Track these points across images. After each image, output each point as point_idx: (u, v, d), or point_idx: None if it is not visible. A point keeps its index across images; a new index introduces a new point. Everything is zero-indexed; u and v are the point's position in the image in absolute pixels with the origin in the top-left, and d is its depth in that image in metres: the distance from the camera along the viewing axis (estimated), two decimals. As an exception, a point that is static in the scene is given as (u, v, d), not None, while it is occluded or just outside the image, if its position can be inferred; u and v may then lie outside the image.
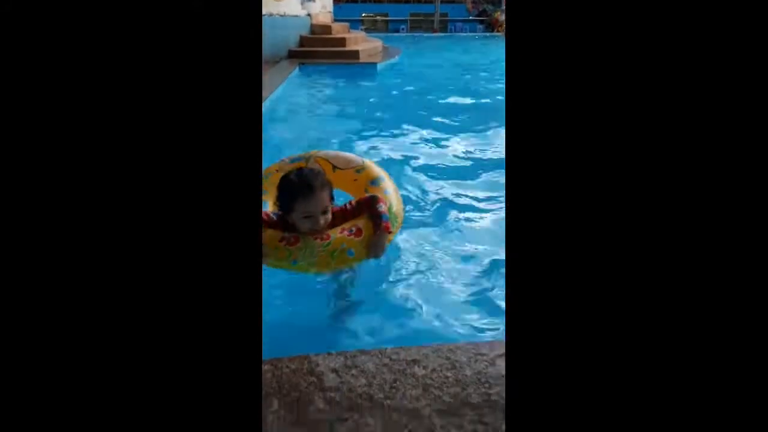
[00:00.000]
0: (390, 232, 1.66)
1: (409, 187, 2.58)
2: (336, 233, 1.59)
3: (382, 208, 1.68)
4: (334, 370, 0.99)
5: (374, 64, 7.47)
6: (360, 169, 2.00)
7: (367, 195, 1.79)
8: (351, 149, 3.21)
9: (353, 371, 0.99)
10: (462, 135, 3.73)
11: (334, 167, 2.00)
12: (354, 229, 1.62)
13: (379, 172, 1.97)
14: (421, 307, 1.62)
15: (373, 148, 3.41)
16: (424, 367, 0.99)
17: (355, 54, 7.79)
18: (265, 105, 4.19)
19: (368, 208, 1.70)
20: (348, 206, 1.74)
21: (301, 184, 1.55)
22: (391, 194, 1.82)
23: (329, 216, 1.63)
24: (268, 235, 1.59)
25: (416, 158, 3.17)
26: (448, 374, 0.97)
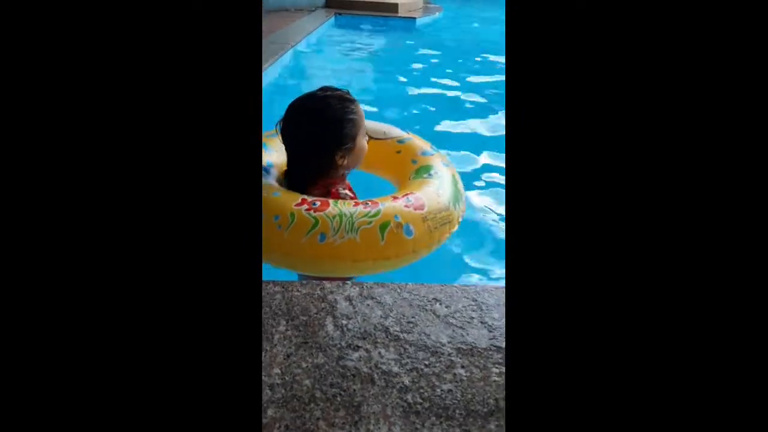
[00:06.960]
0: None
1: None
2: (387, 201, 1.17)
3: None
4: (348, 299, 0.91)
5: (413, 19, 7.17)
6: (403, 139, 1.50)
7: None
8: (379, 105, 3.03)
9: (368, 302, 0.91)
10: (498, 98, 3.54)
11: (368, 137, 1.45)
12: (413, 199, 1.18)
13: (426, 144, 1.50)
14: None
15: (403, 106, 3.26)
16: (447, 306, 0.90)
17: (394, 7, 7.47)
18: (292, 53, 4.01)
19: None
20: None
21: (340, 95, 1.31)
22: (444, 174, 1.33)
23: None
24: (279, 201, 1.14)
25: (447, 119, 3.02)
26: (473, 315, 0.88)
